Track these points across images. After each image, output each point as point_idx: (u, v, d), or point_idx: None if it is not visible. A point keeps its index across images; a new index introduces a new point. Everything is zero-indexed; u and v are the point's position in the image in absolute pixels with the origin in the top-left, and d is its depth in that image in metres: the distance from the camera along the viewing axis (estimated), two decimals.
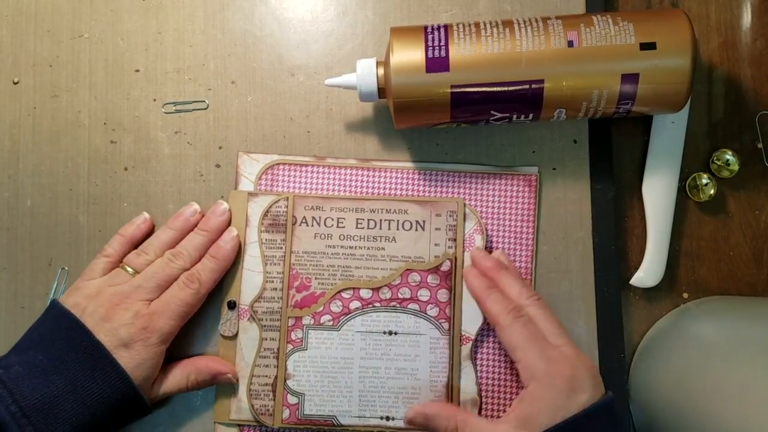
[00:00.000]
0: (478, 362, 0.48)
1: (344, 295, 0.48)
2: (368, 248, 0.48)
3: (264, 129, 0.50)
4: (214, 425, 0.48)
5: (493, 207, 0.48)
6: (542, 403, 0.40)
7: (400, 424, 0.47)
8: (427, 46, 0.42)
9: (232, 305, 0.48)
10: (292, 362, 0.47)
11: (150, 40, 0.50)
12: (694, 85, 0.48)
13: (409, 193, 0.49)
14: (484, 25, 0.43)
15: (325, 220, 0.48)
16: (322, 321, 0.47)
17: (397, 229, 0.48)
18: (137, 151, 0.50)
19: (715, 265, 0.50)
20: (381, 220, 0.48)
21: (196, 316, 0.47)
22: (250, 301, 0.48)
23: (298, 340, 0.47)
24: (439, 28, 0.43)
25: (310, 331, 0.47)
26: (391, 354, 0.47)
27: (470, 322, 0.47)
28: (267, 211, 0.48)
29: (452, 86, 0.42)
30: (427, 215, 0.48)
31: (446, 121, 0.45)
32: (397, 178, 0.49)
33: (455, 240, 0.48)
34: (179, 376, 0.46)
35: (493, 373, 0.48)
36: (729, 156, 0.49)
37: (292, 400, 0.47)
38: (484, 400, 0.47)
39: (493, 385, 0.47)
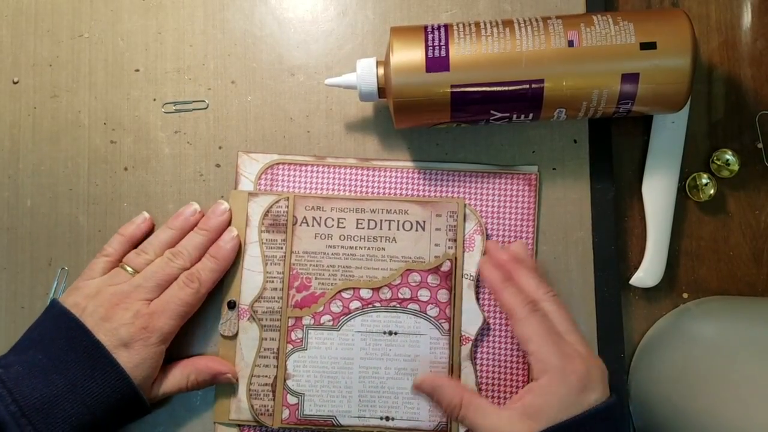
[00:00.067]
0: (478, 362, 0.48)
1: (344, 295, 0.48)
2: (368, 248, 0.48)
3: (264, 129, 0.50)
4: (214, 425, 0.48)
5: (492, 206, 0.48)
6: (554, 397, 0.40)
7: (400, 424, 0.47)
8: (427, 46, 0.42)
9: (232, 305, 0.48)
10: (291, 362, 0.47)
11: (150, 40, 0.50)
12: (694, 85, 0.48)
13: (409, 193, 0.49)
14: (484, 24, 0.43)
15: (326, 220, 0.48)
16: (322, 321, 0.47)
17: (398, 229, 0.48)
18: (137, 151, 0.50)
19: (714, 265, 0.50)
20: (381, 221, 0.48)
21: (196, 316, 0.47)
22: (250, 301, 0.48)
23: (298, 340, 0.47)
24: (439, 27, 0.43)
25: (310, 331, 0.47)
26: (391, 354, 0.47)
27: (470, 323, 0.47)
28: (267, 211, 0.48)
29: (452, 86, 0.42)
30: (428, 215, 0.48)
31: (446, 121, 0.45)
32: (396, 178, 0.49)
33: (455, 240, 0.48)
34: (179, 376, 0.46)
35: (493, 373, 0.48)
36: (729, 156, 0.49)
37: (291, 400, 0.47)
38: None
39: (492, 385, 0.47)
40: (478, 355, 0.48)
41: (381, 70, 0.45)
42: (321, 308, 0.48)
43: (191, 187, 0.50)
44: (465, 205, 0.48)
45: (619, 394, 0.43)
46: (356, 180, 0.49)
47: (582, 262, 0.49)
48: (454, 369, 0.47)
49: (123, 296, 0.44)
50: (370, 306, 0.48)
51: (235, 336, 0.48)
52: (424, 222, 0.48)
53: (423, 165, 0.49)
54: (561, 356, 0.40)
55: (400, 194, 0.49)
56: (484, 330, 0.48)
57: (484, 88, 0.42)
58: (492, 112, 0.44)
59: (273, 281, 0.48)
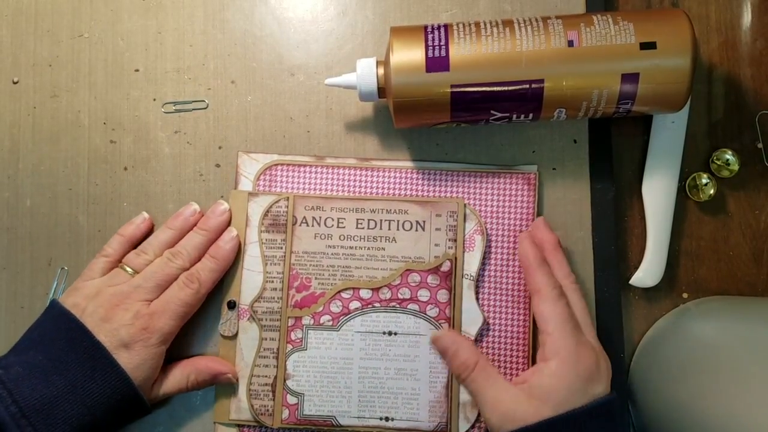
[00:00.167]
0: None
1: (344, 295, 0.48)
2: (368, 248, 0.48)
3: (264, 129, 0.50)
4: (214, 425, 0.48)
5: (492, 206, 0.48)
6: (562, 381, 0.40)
7: (400, 424, 0.47)
8: (427, 46, 0.42)
9: (231, 305, 0.48)
10: (291, 362, 0.47)
11: (150, 40, 0.50)
12: (694, 85, 0.48)
13: (409, 192, 0.49)
14: (484, 24, 0.43)
15: (326, 220, 0.48)
16: (321, 321, 0.47)
17: (397, 229, 0.48)
18: (137, 150, 0.50)
19: (714, 265, 0.50)
20: (381, 221, 0.48)
21: (196, 316, 0.47)
22: (250, 301, 0.48)
23: (298, 340, 0.47)
24: (439, 27, 0.43)
25: (309, 331, 0.47)
26: (391, 354, 0.47)
27: (470, 323, 0.47)
28: (267, 211, 0.48)
29: (452, 86, 0.42)
30: (428, 215, 0.48)
31: (446, 121, 0.45)
32: (396, 177, 0.49)
33: (455, 240, 0.48)
34: (179, 376, 0.46)
35: None
36: (729, 156, 0.49)
37: (291, 400, 0.47)
38: None
39: None
40: None
41: (381, 70, 0.45)
42: (321, 308, 0.48)
43: (191, 187, 0.50)
44: (465, 205, 0.48)
45: (619, 393, 0.44)
46: (356, 180, 0.49)
47: (582, 262, 0.48)
48: None
49: (123, 297, 0.44)
50: (370, 306, 0.48)
51: (235, 336, 0.48)
52: (423, 222, 0.48)
53: (423, 165, 0.49)
54: (576, 343, 0.41)
55: (400, 194, 0.49)
56: (484, 330, 0.48)
57: (484, 88, 0.42)
58: (492, 112, 0.44)
59: (273, 281, 0.48)
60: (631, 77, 0.42)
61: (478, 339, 0.47)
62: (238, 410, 0.47)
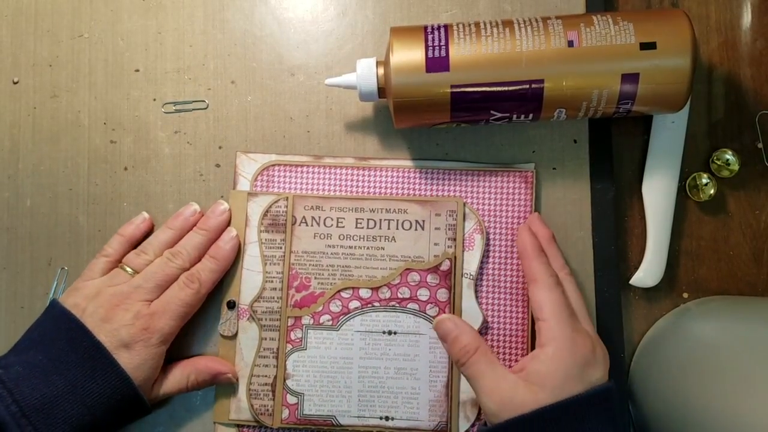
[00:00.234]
0: None
1: (343, 294, 0.48)
2: (368, 248, 0.48)
3: (264, 129, 0.50)
4: (214, 425, 0.48)
5: (490, 204, 0.48)
6: (558, 365, 0.40)
7: (400, 424, 0.47)
8: (427, 46, 0.42)
9: (231, 305, 0.48)
10: (291, 362, 0.47)
11: (150, 40, 0.50)
12: (694, 85, 0.48)
13: (408, 192, 0.49)
14: (484, 25, 0.43)
15: (325, 219, 0.48)
16: (321, 321, 0.47)
17: (397, 228, 0.48)
18: (137, 150, 0.50)
19: (715, 265, 0.50)
20: (380, 220, 0.48)
21: (195, 316, 0.47)
22: (249, 300, 0.48)
23: (298, 340, 0.47)
24: (439, 27, 0.43)
25: (309, 330, 0.47)
26: (391, 354, 0.47)
27: (469, 322, 0.47)
28: (267, 211, 0.48)
29: (452, 86, 0.42)
30: (427, 215, 0.48)
31: (446, 121, 0.45)
32: (395, 177, 0.49)
33: (455, 240, 0.48)
34: (179, 376, 0.46)
35: None
36: (729, 156, 0.49)
37: (291, 399, 0.47)
38: None
39: None
40: None
41: (381, 70, 0.45)
42: (320, 308, 0.48)
43: (191, 187, 0.50)
44: (464, 204, 0.48)
45: (619, 391, 0.44)
46: (355, 180, 0.49)
47: (582, 262, 0.48)
48: (454, 368, 0.47)
49: (123, 297, 0.44)
50: (370, 306, 0.48)
51: (235, 336, 0.48)
52: (423, 221, 0.48)
53: (421, 164, 0.49)
54: (572, 330, 0.41)
55: (400, 194, 0.49)
56: (484, 329, 0.48)
57: (484, 88, 0.42)
58: (492, 112, 0.44)
59: (272, 281, 0.48)
60: (631, 77, 0.42)
61: None
62: (237, 410, 0.47)
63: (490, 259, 0.48)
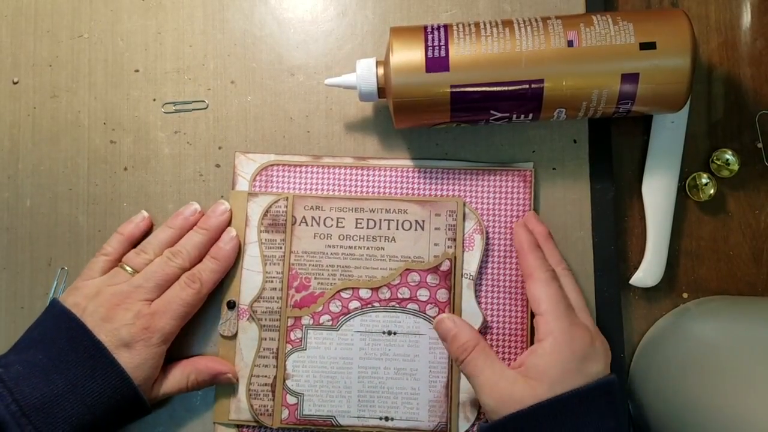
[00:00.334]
0: None
1: (343, 295, 0.48)
2: (368, 248, 0.48)
3: (264, 129, 0.50)
4: (214, 425, 0.48)
5: (488, 203, 0.48)
6: (556, 359, 0.40)
7: (399, 424, 0.47)
8: (426, 46, 0.42)
9: (231, 305, 0.48)
10: (291, 362, 0.47)
11: (150, 40, 0.50)
12: (694, 85, 0.48)
13: (408, 192, 0.49)
14: (484, 25, 0.43)
15: (325, 219, 0.48)
16: (321, 321, 0.47)
17: (397, 228, 0.48)
18: (137, 151, 0.50)
19: (714, 265, 0.50)
20: (380, 220, 0.48)
21: (195, 316, 0.47)
22: (249, 301, 0.48)
23: (298, 340, 0.47)
24: (439, 27, 0.43)
25: (309, 331, 0.47)
26: (391, 354, 0.47)
27: (469, 322, 0.47)
28: (266, 211, 0.48)
29: (452, 86, 0.42)
30: (427, 215, 0.48)
31: (446, 121, 0.45)
32: (394, 177, 0.49)
33: (455, 240, 0.48)
34: (179, 376, 0.46)
35: None
36: (729, 156, 0.49)
37: (291, 400, 0.47)
38: None
39: None
40: None
41: (381, 70, 0.45)
42: (320, 308, 0.48)
43: (191, 187, 0.50)
44: (464, 204, 0.48)
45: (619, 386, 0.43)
46: (354, 180, 0.49)
47: (582, 262, 0.48)
48: (453, 368, 0.47)
49: (123, 296, 0.44)
50: (369, 306, 0.48)
51: (235, 336, 0.48)
52: (423, 221, 0.48)
53: (421, 163, 0.49)
54: (569, 323, 0.41)
55: (399, 194, 0.49)
56: (484, 329, 0.48)
57: (483, 88, 0.42)
58: (492, 112, 0.44)
59: (272, 281, 0.48)
60: (630, 77, 0.42)
61: None
62: (237, 410, 0.47)
63: (490, 259, 0.48)
